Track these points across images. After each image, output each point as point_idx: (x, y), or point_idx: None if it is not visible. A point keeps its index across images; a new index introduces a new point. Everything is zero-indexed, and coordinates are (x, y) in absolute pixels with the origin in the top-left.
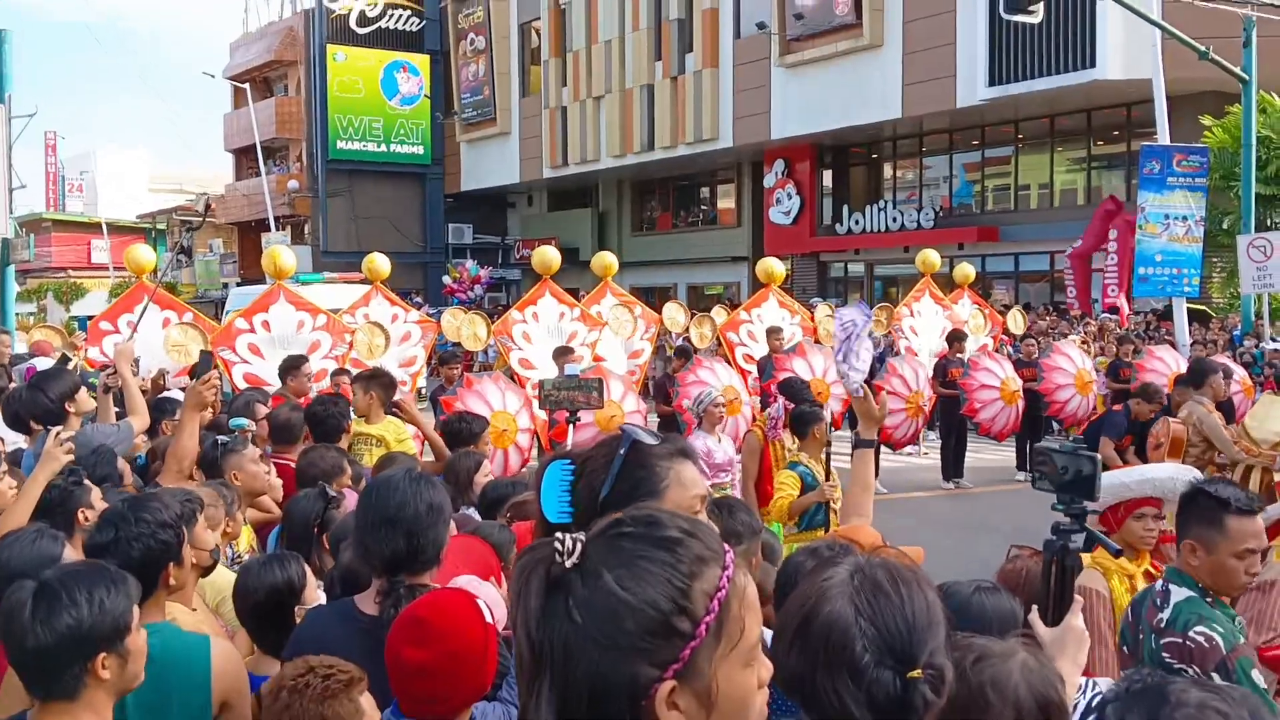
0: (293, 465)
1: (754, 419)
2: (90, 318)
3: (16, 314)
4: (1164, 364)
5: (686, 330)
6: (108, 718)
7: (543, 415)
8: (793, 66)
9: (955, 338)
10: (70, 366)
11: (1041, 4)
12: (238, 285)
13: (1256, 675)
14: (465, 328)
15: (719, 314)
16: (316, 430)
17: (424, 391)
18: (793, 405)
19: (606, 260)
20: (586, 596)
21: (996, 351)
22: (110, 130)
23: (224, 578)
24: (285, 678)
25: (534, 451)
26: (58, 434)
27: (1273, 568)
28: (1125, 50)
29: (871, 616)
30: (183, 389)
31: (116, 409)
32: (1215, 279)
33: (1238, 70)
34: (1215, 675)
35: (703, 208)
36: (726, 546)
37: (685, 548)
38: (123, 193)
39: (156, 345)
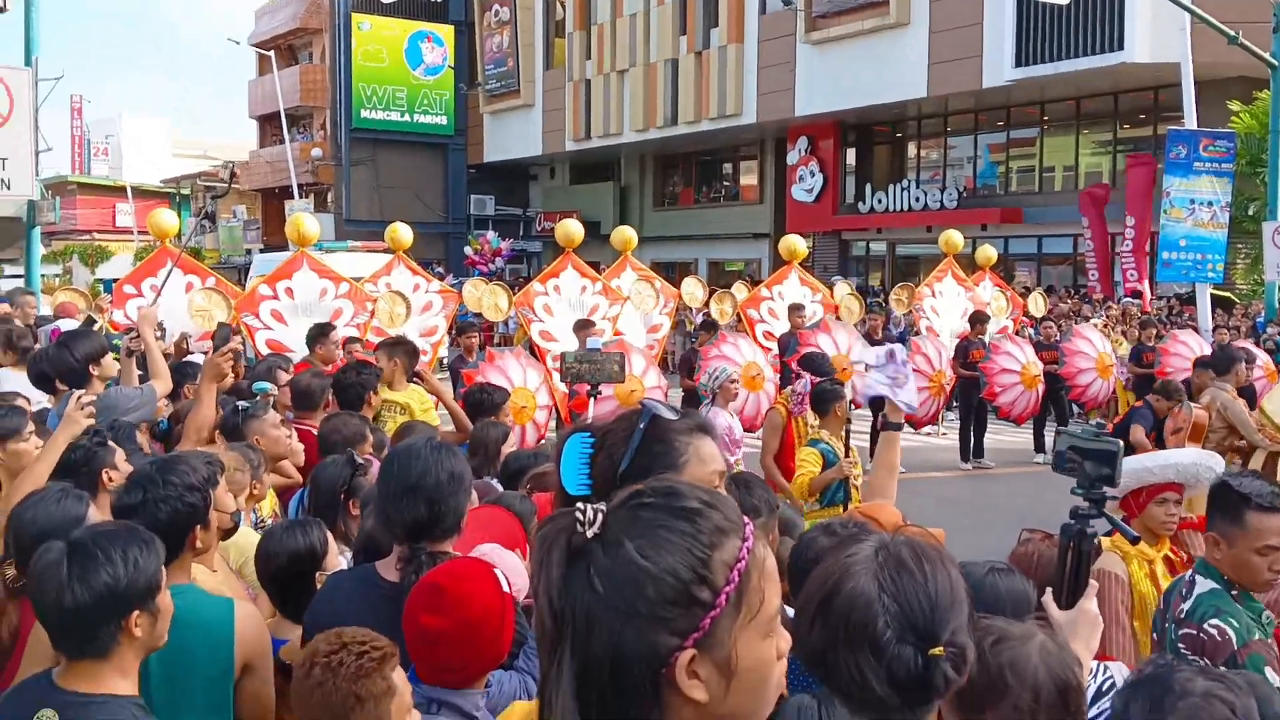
0: (314, 431)
1: (776, 395)
2: (115, 281)
3: (42, 275)
4: (1187, 348)
5: (706, 305)
6: (134, 676)
7: (562, 389)
8: (818, 43)
9: (977, 319)
10: (95, 329)
11: None
12: (261, 251)
13: (1270, 673)
14: (486, 298)
15: (740, 290)
16: (341, 397)
17: (444, 361)
18: (816, 380)
19: (627, 234)
20: (608, 566)
21: (1017, 334)
22: (135, 95)
23: (249, 539)
24: (319, 653)
25: (550, 426)
26: (79, 398)
27: None
28: (1154, 33)
29: (895, 593)
30: (205, 353)
31: (139, 372)
32: (1239, 265)
33: (1267, 56)
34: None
35: (725, 184)
36: (746, 519)
37: (706, 519)
38: (146, 157)
39: (180, 310)
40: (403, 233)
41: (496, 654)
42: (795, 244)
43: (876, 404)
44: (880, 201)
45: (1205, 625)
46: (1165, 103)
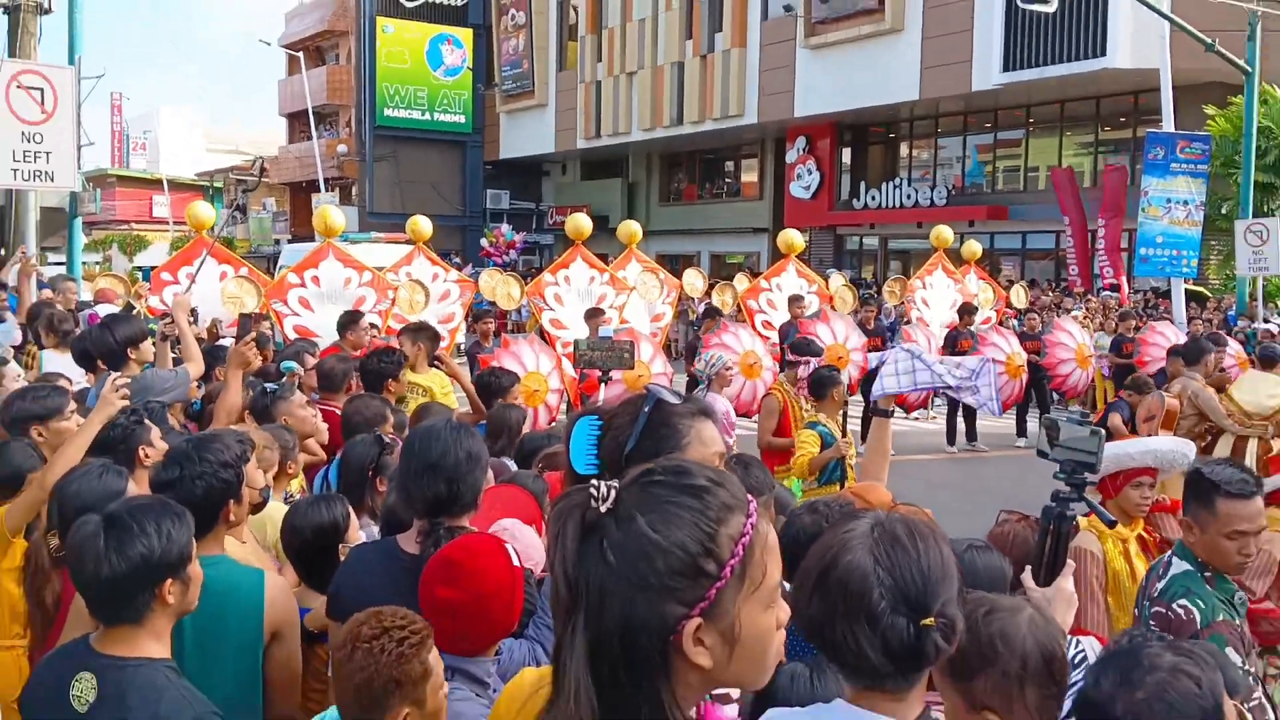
0: (338, 412)
1: (773, 381)
2: (152, 268)
3: (83, 263)
4: (1164, 339)
5: (707, 295)
6: (167, 640)
7: (572, 373)
8: (816, 48)
9: (966, 310)
10: (134, 315)
11: None
12: (289, 242)
13: (1230, 652)
14: (500, 287)
15: (741, 281)
16: (366, 380)
17: (461, 346)
18: (805, 361)
19: (632, 228)
20: (620, 539)
21: (1000, 324)
22: (172, 92)
23: (281, 514)
24: (361, 637)
25: (561, 409)
26: (113, 380)
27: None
28: (1134, 40)
29: (889, 567)
30: (235, 338)
31: (173, 355)
32: (1213, 261)
33: (1241, 62)
34: None
35: (727, 180)
36: (750, 496)
37: (713, 495)
38: (182, 152)
39: (213, 296)
40: (423, 225)
41: (507, 624)
42: (793, 238)
43: (868, 390)
44: (874, 198)
45: (1174, 605)
46: (1145, 106)
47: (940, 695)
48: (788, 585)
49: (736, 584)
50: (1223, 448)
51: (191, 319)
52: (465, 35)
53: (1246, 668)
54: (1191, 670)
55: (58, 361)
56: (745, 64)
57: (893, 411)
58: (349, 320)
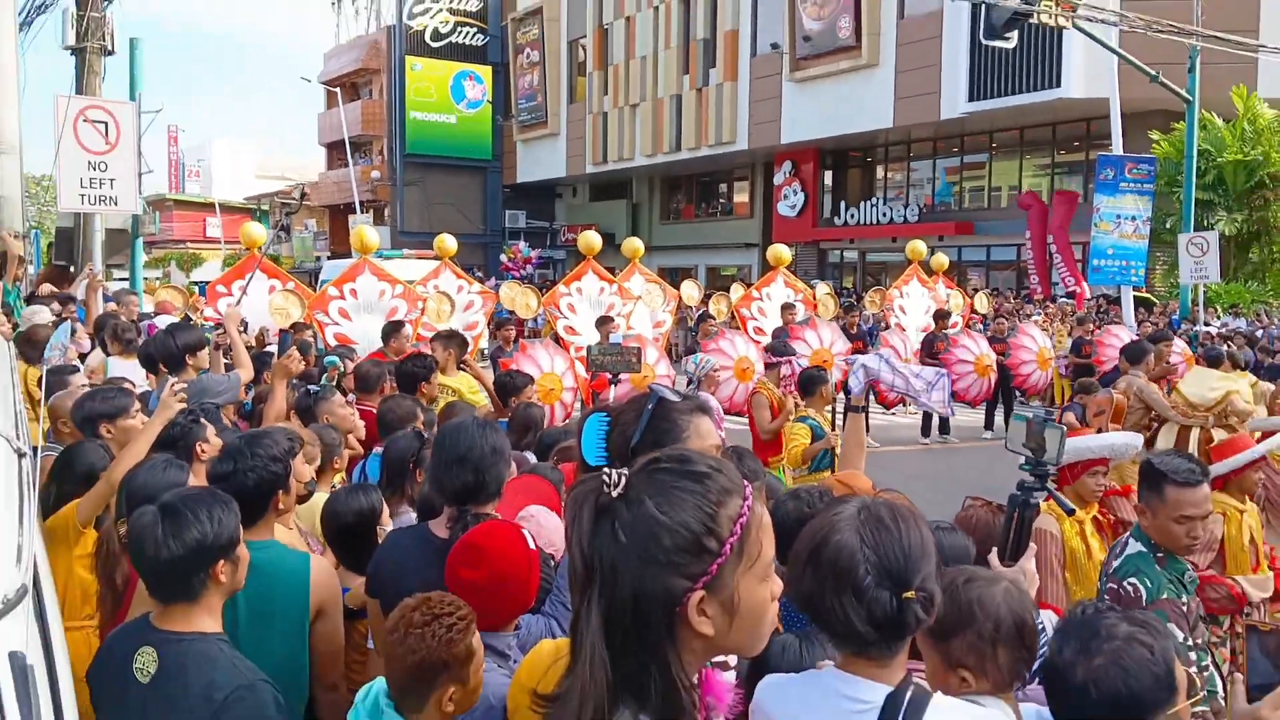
0: (373, 411)
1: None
2: (206, 283)
3: (145, 278)
4: (1119, 340)
5: (703, 304)
6: (219, 616)
7: (585, 374)
8: (801, 81)
9: (940, 316)
10: (193, 324)
11: (1015, 31)
12: (329, 259)
13: (1172, 627)
14: (519, 298)
15: (736, 290)
16: (401, 382)
17: (485, 351)
18: (779, 360)
19: (635, 244)
20: (630, 520)
21: (967, 328)
22: (224, 123)
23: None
24: (412, 622)
25: (576, 407)
26: (173, 385)
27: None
28: (1086, 72)
29: (874, 545)
30: (274, 338)
31: (225, 361)
32: (1158, 271)
33: (1183, 92)
34: None
35: (721, 201)
36: (746, 481)
37: (713, 480)
38: (231, 178)
39: (262, 308)
40: (448, 242)
41: (525, 601)
42: (781, 252)
43: (845, 388)
44: (853, 216)
45: (1125, 582)
46: (1096, 132)
47: (922, 654)
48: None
49: (735, 559)
50: (1165, 438)
51: (241, 328)
52: (485, 72)
53: (1189, 642)
54: (1145, 639)
55: (122, 367)
56: (737, 96)
57: (866, 407)
58: (392, 329)
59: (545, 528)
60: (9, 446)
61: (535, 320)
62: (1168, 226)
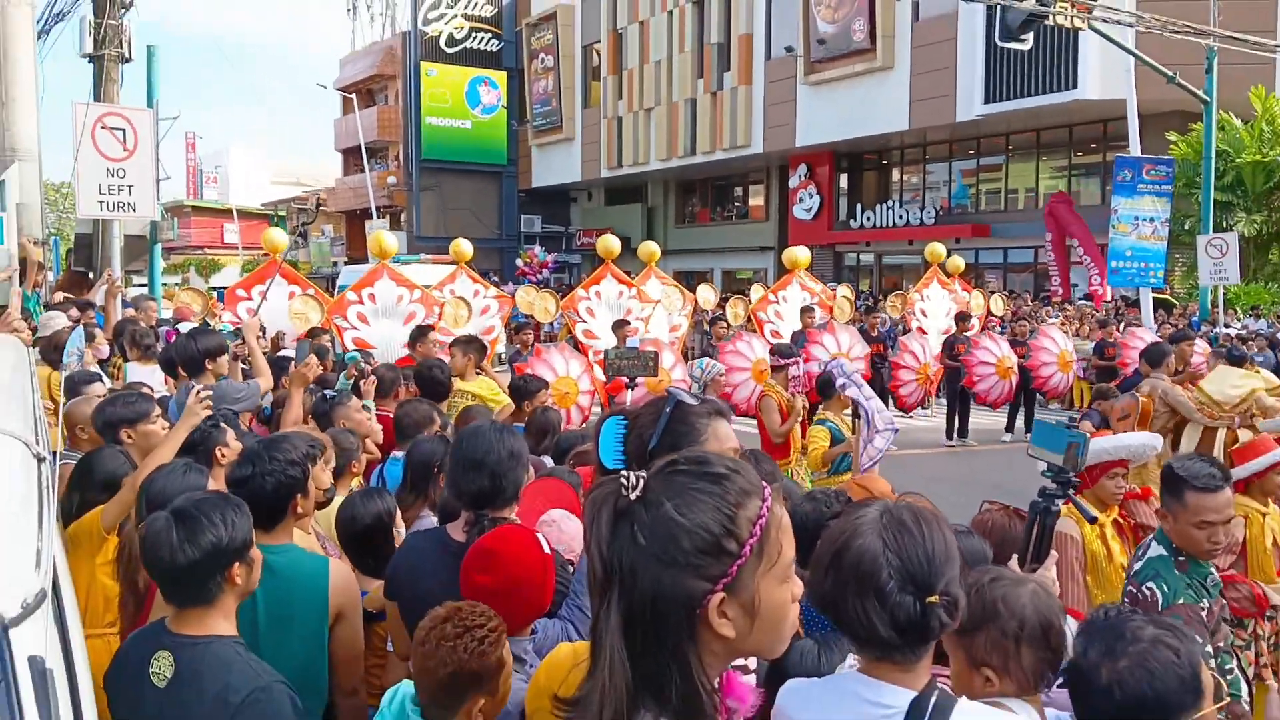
0: (390, 415)
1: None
2: (225, 288)
3: (163, 284)
4: (1143, 343)
5: (719, 308)
6: (233, 618)
7: (602, 377)
8: (815, 84)
9: (960, 318)
10: (214, 330)
11: (1030, 33)
12: (346, 264)
13: (1182, 626)
14: (538, 302)
15: (757, 290)
16: (422, 387)
17: (503, 355)
18: (783, 362)
19: (651, 248)
20: (649, 522)
21: (983, 330)
22: (241, 130)
23: None
24: (445, 635)
25: (594, 409)
26: (198, 392)
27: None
28: (1103, 74)
29: (897, 549)
30: (293, 344)
31: (244, 367)
32: (1177, 272)
33: (1200, 93)
34: None
35: (736, 204)
36: (765, 483)
37: (731, 482)
38: (249, 184)
39: (281, 312)
40: (465, 247)
41: (540, 605)
42: (797, 255)
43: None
44: (869, 219)
45: (1143, 586)
46: (1113, 133)
47: (948, 653)
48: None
49: (755, 561)
50: (1189, 440)
51: (260, 334)
52: (500, 77)
53: (1208, 647)
54: (1171, 641)
55: (140, 372)
56: (751, 100)
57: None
58: (419, 334)
59: (566, 532)
60: (28, 451)
61: (552, 325)
62: (1186, 228)
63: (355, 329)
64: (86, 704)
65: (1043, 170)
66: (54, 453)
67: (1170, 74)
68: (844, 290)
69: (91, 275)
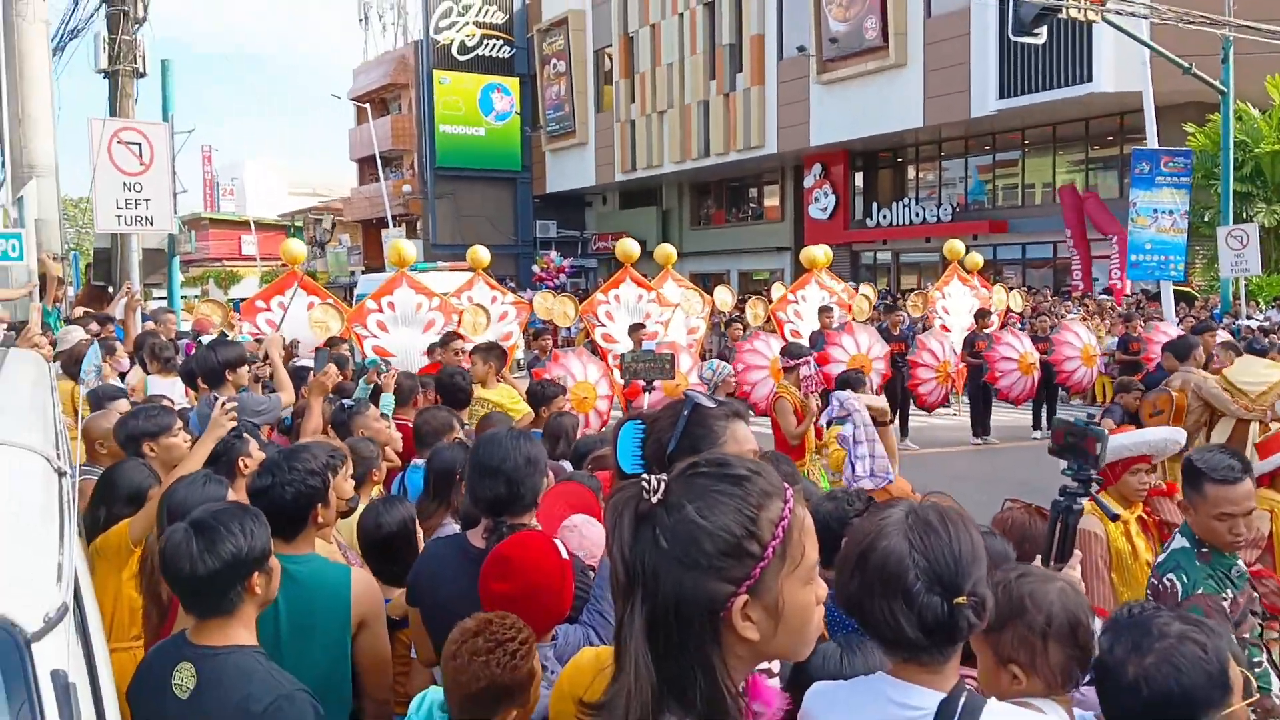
0: (408, 424)
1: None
2: (243, 299)
3: (182, 297)
4: (1167, 337)
5: (736, 309)
6: (253, 628)
7: (620, 381)
8: (828, 83)
9: (981, 315)
10: (235, 341)
11: (1044, 27)
12: (362, 273)
13: (1209, 622)
14: (557, 307)
15: (778, 289)
16: (444, 395)
17: (521, 361)
18: (794, 362)
19: (667, 251)
20: (671, 525)
21: (1003, 327)
22: (257, 142)
23: None
24: (477, 650)
25: (613, 413)
26: (223, 403)
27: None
28: (1118, 66)
29: (924, 550)
30: (312, 354)
31: (266, 382)
32: (1198, 265)
33: (1217, 83)
34: None
35: (751, 205)
36: (786, 484)
37: (752, 483)
38: (265, 195)
39: (300, 321)
40: (482, 254)
41: (559, 612)
42: (815, 254)
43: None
44: (885, 217)
45: (1164, 577)
46: (1130, 126)
47: (975, 651)
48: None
49: (778, 563)
50: (1220, 433)
51: (282, 348)
52: (513, 84)
53: (1231, 636)
54: (1198, 637)
55: (161, 385)
56: (764, 100)
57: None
58: (444, 341)
59: (588, 538)
60: (49, 465)
61: (569, 330)
62: (1205, 220)
63: (375, 337)
64: (111, 718)
65: (1059, 165)
66: (75, 466)
67: (1186, 65)
68: (866, 289)
69: (111, 289)
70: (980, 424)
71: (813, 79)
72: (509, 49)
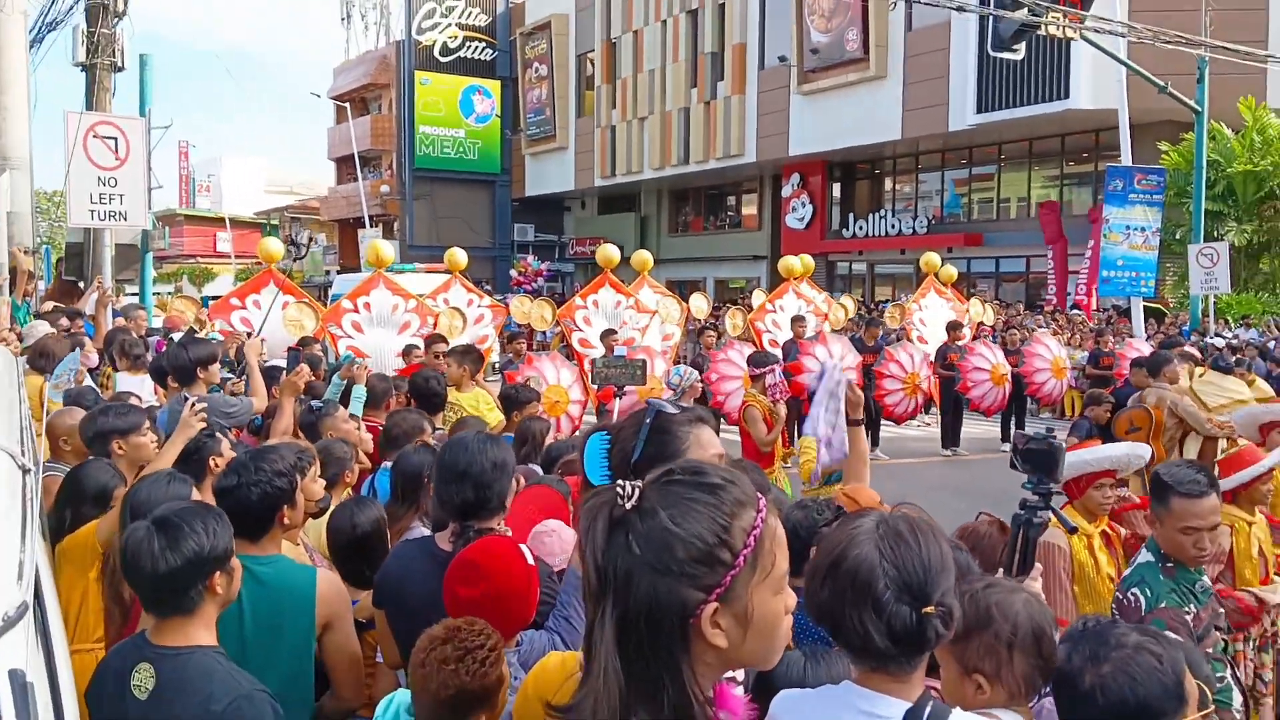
0: (380, 426)
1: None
2: (214, 298)
3: (156, 294)
4: (1139, 353)
5: (712, 316)
6: (214, 628)
7: (594, 386)
8: (808, 94)
9: (953, 326)
10: (206, 338)
11: (1023, 43)
12: (338, 273)
13: (1170, 635)
14: (534, 311)
15: (758, 296)
16: (418, 399)
17: (496, 365)
18: (760, 370)
19: (644, 257)
20: (644, 531)
21: (975, 339)
22: (234, 139)
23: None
24: (445, 658)
25: (585, 418)
26: (193, 404)
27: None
28: (1094, 83)
29: (894, 560)
30: (283, 354)
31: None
32: (1168, 281)
33: (1191, 102)
34: None
35: (729, 213)
36: (759, 494)
37: (726, 492)
38: (241, 193)
39: (275, 319)
40: (459, 256)
41: (524, 617)
42: (793, 264)
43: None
44: (861, 228)
45: (1128, 591)
46: (1105, 143)
47: (940, 661)
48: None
49: (749, 572)
50: (1190, 448)
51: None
52: (494, 86)
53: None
54: (1154, 648)
55: (130, 382)
56: (744, 109)
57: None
58: (432, 341)
59: (566, 541)
60: (13, 462)
61: (544, 334)
62: (1177, 237)
63: (350, 337)
64: (70, 718)
65: (1035, 180)
66: (39, 463)
67: (1162, 84)
68: (846, 300)
69: (82, 284)
70: (951, 435)
71: (793, 89)
72: (491, 51)
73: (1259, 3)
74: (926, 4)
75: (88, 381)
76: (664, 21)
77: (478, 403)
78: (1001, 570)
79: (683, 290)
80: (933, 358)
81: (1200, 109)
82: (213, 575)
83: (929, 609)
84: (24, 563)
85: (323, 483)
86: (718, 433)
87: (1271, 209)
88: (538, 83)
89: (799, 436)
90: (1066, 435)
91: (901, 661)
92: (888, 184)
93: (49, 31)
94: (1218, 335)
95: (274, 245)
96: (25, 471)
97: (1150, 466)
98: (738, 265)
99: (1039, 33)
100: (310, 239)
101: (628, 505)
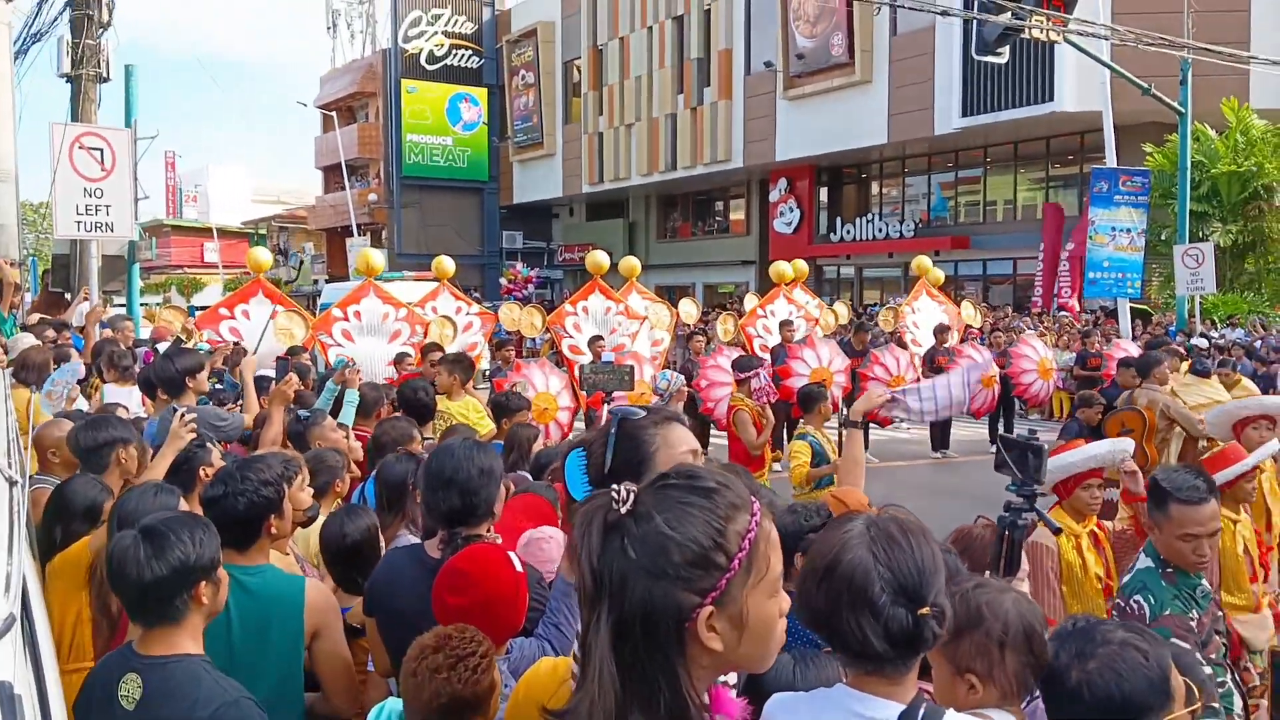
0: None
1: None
2: (201, 307)
3: (144, 305)
4: (1128, 354)
5: (701, 322)
6: (200, 639)
7: (583, 392)
8: (795, 99)
9: (941, 330)
10: (193, 348)
11: (1007, 46)
12: (327, 282)
13: (1176, 641)
14: (524, 318)
15: (751, 299)
16: (406, 407)
17: (485, 372)
18: (746, 374)
19: (632, 263)
20: (639, 535)
21: (962, 342)
22: (221, 148)
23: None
24: (437, 666)
25: (577, 426)
26: (182, 415)
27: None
28: (1079, 86)
29: (888, 563)
30: (272, 364)
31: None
32: (1154, 282)
33: (1175, 104)
34: None
35: (717, 218)
36: (754, 498)
37: (721, 496)
38: (228, 202)
39: (270, 334)
40: (447, 264)
41: (513, 624)
42: (783, 269)
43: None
44: (849, 232)
45: (1130, 599)
46: (1090, 145)
47: (931, 662)
48: None
49: (744, 575)
50: (1173, 449)
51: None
52: (481, 94)
53: (1198, 655)
54: (1139, 644)
55: (118, 394)
56: (731, 114)
57: (859, 424)
58: (427, 350)
59: (563, 546)
60: (0, 476)
61: (534, 341)
62: (1163, 238)
63: (340, 346)
64: None
65: (1021, 182)
66: (27, 476)
67: (1145, 86)
68: (840, 305)
69: (68, 296)
70: (940, 438)
71: (779, 94)
72: (478, 59)
73: (1241, 4)
74: (911, 8)
75: (80, 402)
76: (650, 28)
77: (468, 411)
78: (989, 572)
79: (671, 295)
80: (922, 360)
81: (1184, 110)
82: (199, 585)
83: (924, 610)
84: (11, 575)
85: (310, 492)
86: (705, 437)
87: (1256, 209)
88: (524, 90)
89: (787, 441)
90: (1056, 437)
91: (897, 664)
92: (875, 188)
93: (34, 43)
94: (1202, 336)
95: (262, 255)
96: (13, 484)
97: (1145, 470)
98: (726, 270)
99: (1023, 36)
100: (301, 262)
101: (622, 510)
